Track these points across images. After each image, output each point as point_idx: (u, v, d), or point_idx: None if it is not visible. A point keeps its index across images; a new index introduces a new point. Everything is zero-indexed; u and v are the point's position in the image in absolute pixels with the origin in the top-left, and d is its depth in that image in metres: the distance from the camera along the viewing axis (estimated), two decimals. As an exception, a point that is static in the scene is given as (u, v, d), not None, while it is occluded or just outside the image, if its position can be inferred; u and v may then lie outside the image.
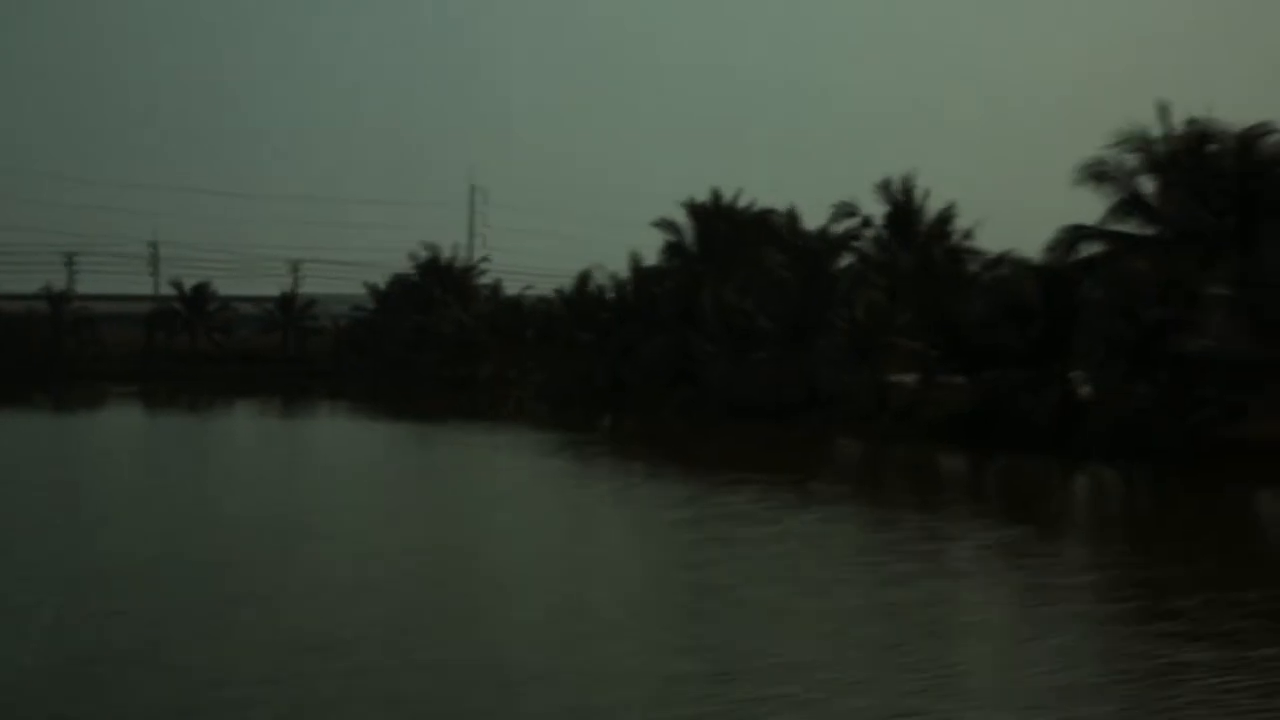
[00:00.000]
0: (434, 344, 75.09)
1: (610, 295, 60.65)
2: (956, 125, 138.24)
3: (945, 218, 53.63)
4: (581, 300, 61.96)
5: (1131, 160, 42.40)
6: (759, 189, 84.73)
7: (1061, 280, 39.28)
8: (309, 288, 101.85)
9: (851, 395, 46.16)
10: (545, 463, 37.17)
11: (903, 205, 54.50)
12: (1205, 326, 33.21)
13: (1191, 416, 33.06)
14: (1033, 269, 40.53)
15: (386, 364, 77.57)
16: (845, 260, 55.94)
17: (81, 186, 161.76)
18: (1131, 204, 42.62)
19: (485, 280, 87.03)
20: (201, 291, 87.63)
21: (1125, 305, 35.84)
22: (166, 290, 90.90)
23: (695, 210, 64.07)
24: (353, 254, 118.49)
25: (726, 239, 62.02)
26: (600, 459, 37.81)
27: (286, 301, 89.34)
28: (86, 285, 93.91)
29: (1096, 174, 42.34)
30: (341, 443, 48.16)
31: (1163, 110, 41.93)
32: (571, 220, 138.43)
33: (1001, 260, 46.85)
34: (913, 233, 54.02)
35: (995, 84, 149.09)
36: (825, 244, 55.93)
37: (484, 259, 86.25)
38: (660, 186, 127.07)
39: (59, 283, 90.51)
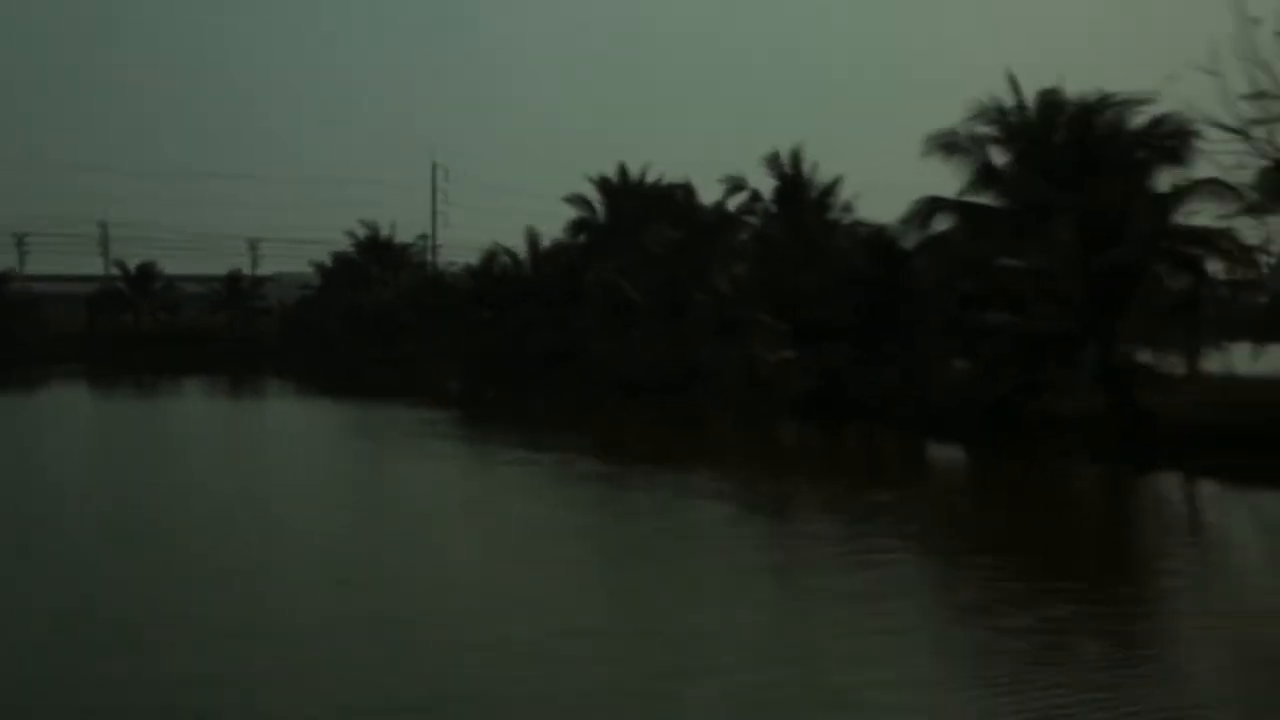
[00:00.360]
0: (365, 322, 75.32)
1: (513, 273, 60.58)
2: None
3: (829, 190, 53.14)
4: (485, 277, 61.95)
5: (983, 131, 41.97)
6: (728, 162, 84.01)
7: (894, 252, 38.87)
8: (271, 267, 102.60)
9: (721, 371, 45.98)
10: (355, 444, 37.52)
11: (790, 178, 54.01)
12: (1015, 301, 32.69)
13: (998, 391, 32.65)
14: (865, 241, 40.12)
15: (324, 342, 77.98)
16: (744, 235, 55.73)
17: (33, 167, 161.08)
18: (986, 176, 42.20)
19: (428, 258, 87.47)
20: (146, 271, 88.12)
21: (942, 279, 35.48)
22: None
23: (604, 185, 63.86)
24: (319, 233, 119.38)
25: (634, 215, 61.76)
26: (416, 440, 37.65)
27: (234, 281, 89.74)
28: (38, 266, 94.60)
29: (946, 145, 41.86)
30: (195, 421, 48.62)
31: (1013, 81, 41.44)
32: (540, 196, 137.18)
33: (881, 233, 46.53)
34: (800, 206, 53.59)
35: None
36: (720, 218, 55.72)
37: (423, 236, 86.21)
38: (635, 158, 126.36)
39: (10, 264, 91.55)
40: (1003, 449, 32.27)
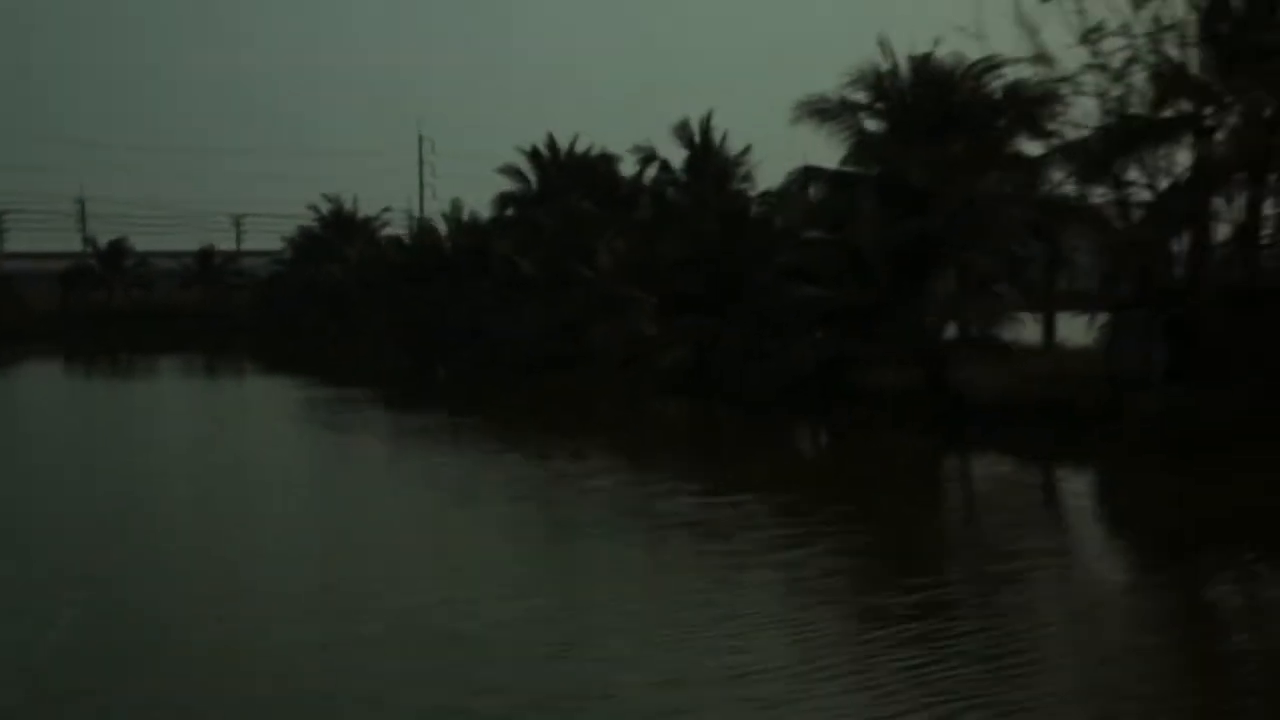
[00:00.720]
0: (323, 297, 75.20)
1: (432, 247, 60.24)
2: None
3: (736, 161, 52.28)
4: (408, 251, 61.67)
5: (856, 97, 41.03)
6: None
7: (743, 223, 38.07)
8: (257, 243, 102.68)
9: (604, 346, 45.41)
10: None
11: (700, 148, 53.17)
12: (827, 274, 31.86)
13: (800, 366, 31.90)
14: (712, 210, 39.30)
15: (288, 318, 78.13)
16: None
17: (13, 142, 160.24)
18: (859, 144, 41.25)
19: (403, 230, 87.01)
20: (117, 247, 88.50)
21: (762, 251, 34.75)
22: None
23: (534, 157, 63.13)
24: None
25: (561, 187, 61.09)
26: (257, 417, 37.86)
27: (206, 256, 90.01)
28: (17, 243, 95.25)
29: (817, 111, 40.95)
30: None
31: (883, 46, 40.49)
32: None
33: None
34: (709, 176, 52.76)
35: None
36: (631, 190, 55.08)
37: (386, 209, 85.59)
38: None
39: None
40: (810, 423, 31.73)
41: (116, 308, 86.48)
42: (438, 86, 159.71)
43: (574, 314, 46.61)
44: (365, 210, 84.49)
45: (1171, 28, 27.37)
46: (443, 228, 65.06)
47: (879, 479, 25.22)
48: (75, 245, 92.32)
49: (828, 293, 31.24)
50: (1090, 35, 26.22)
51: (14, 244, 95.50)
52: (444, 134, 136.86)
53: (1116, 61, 26.44)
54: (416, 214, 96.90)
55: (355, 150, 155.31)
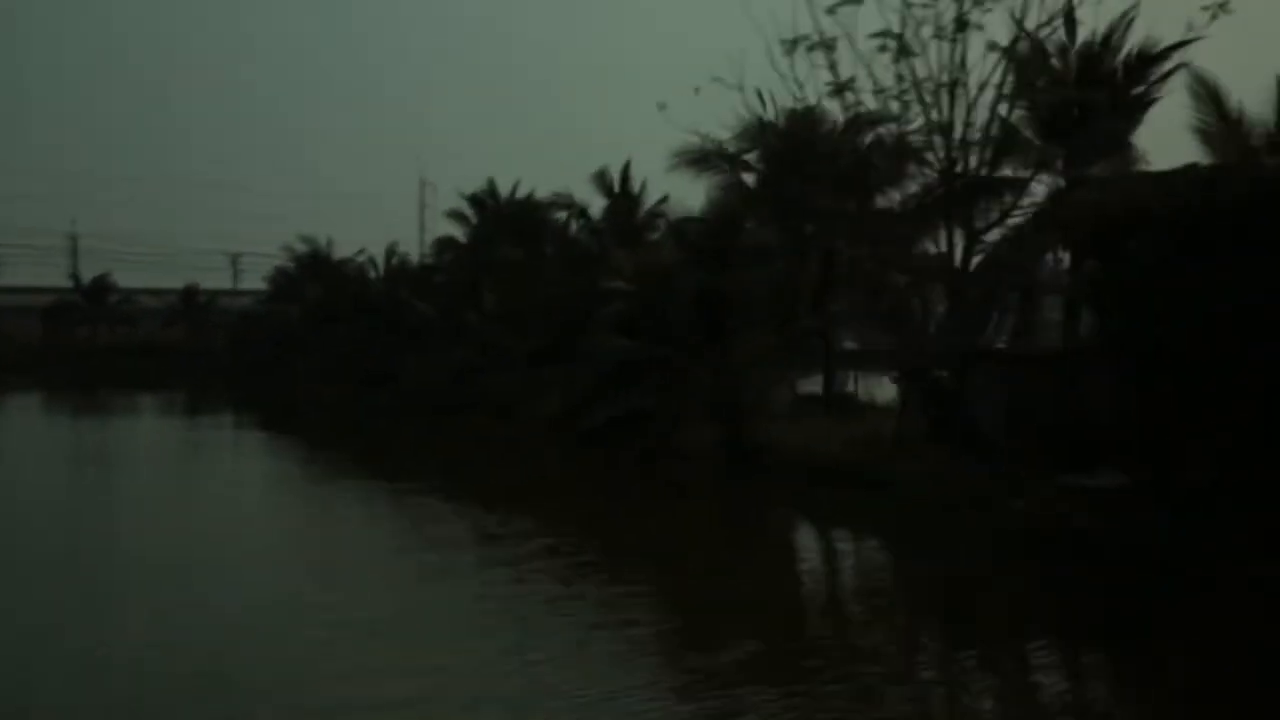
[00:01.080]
0: (289, 338, 75.11)
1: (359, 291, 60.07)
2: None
3: (654, 211, 51.55)
4: (338, 294, 61.45)
5: (733, 147, 40.38)
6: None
7: (583, 272, 37.38)
8: (254, 283, 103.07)
9: (488, 391, 44.73)
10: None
11: (619, 195, 52.52)
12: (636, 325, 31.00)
13: (594, 417, 30.98)
14: (563, 258, 38.64)
15: (260, 358, 78.13)
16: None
17: (10, 175, 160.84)
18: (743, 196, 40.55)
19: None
20: (101, 283, 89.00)
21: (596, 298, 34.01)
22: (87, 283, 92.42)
23: (475, 201, 62.71)
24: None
25: (497, 233, 60.62)
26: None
27: (189, 294, 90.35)
28: (10, 277, 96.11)
29: (695, 160, 40.35)
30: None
31: (763, 100, 39.84)
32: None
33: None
34: (628, 224, 52.10)
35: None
36: (551, 236, 54.53)
37: (360, 251, 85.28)
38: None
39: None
40: (604, 479, 30.67)
41: (100, 344, 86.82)
42: (445, 130, 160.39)
43: (465, 360, 46.07)
44: (346, 252, 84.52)
45: (952, 84, 26.56)
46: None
47: (597, 540, 24.03)
48: (67, 281, 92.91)
49: (631, 346, 30.36)
50: (840, 89, 25.44)
51: (9, 278, 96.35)
52: (450, 178, 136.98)
53: (863, 113, 25.68)
54: (414, 256, 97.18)
55: (364, 192, 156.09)
